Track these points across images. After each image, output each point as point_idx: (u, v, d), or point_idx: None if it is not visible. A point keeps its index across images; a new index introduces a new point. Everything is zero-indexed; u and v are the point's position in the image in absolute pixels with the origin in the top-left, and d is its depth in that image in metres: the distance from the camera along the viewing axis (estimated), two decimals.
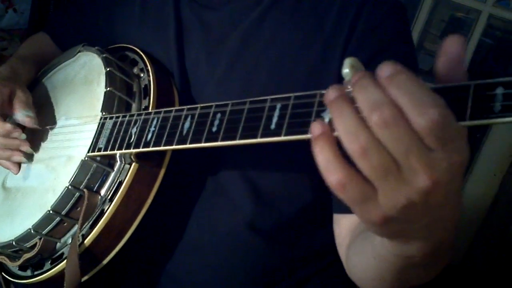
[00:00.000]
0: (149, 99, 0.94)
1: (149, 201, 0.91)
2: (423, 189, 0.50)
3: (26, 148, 1.03)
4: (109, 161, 0.92)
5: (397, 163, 0.51)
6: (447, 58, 0.53)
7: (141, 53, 1.03)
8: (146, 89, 0.97)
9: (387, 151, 0.50)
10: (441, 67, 0.53)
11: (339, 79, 0.92)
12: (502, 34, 2.73)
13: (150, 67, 0.99)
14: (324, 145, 0.53)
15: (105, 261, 0.91)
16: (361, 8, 0.94)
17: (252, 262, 1.05)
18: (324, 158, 0.53)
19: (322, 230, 1.06)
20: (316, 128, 0.54)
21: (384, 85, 0.51)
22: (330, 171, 0.53)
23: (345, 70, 0.57)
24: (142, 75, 1.00)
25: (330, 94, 0.54)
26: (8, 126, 1.00)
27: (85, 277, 0.90)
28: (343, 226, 0.95)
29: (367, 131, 0.51)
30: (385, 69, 0.51)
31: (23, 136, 1.02)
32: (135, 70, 1.02)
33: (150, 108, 0.92)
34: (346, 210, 0.93)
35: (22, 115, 1.02)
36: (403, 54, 0.98)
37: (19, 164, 1.05)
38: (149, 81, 0.96)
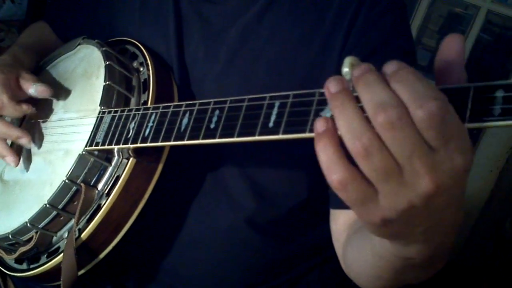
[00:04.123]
0: (148, 93, 0.94)
1: (147, 196, 0.91)
2: (425, 192, 0.50)
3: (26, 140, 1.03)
4: (107, 156, 0.91)
5: (399, 165, 0.50)
6: (445, 57, 0.53)
7: (141, 47, 1.02)
8: (146, 83, 0.96)
9: (389, 153, 0.50)
10: (440, 66, 0.53)
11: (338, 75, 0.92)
12: (501, 30, 2.72)
13: (150, 61, 0.98)
14: (327, 143, 0.52)
15: (101, 256, 0.91)
16: (360, 4, 0.94)
17: (250, 257, 1.06)
18: (326, 156, 0.52)
19: (320, 226, 1.06)
20: (319, 124, 0.53)
21: (388, 81, 0.51)
22: (332, 170, 0.52)
23: (345, 69, 0.56)
24: (141, 69, 0.99)
25: (332, 86, 0.53)
26: (24, 106, 1.01)
27: (82, 271, 0.90)
28: (340, 221, 0.94)
29: (370, 131, 0.50)
30: (389, 66, 0.51)
31: (34, 110, 1.03)
32: (135, 64, 1.01)
33: (149, 102, 0.92)
34: (343, 205, 0.94)
35: (35, 86, 1.01)
36: (402, 49, 0.97)
37: (19, 157, 1.04)
38: (149, 75, 0.96)
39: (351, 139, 0.51)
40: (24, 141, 1.01)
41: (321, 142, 0.53)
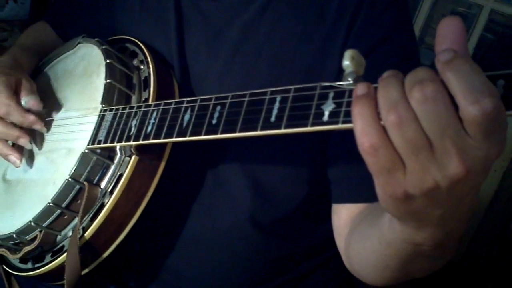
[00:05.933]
0: (149, 91, 0.94)
1: (149, 194, 0.91)
2: (453, 175, 0.50)
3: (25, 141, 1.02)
4: (109, 154, 0.91)
5: (430, 142, 0.50)
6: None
7: (141, 44, 1.02)
8: (146, 81, 0.96)
9: (422, 127, 0.49)
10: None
11: (340, 72, 0.92)
12: (504, 29, 2.72)
13: (150, 59, 0.98)
14: (366, 105, 0.52)
15: (105, 254, 0.91)
16: (362, 0, 0.94)
17: (252, 256, 1.06)
18: (362, 119, 0.52)
19: (322, 225, 1.06)
20: (360, 88, 0.53)
21: (440, 69, 0.49)
22: (366, 132, 0.51)
23: (346, 62, 0.57)
24: (142, 67, 0.99)
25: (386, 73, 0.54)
26: (32, 117, 0.99)
27: (86, 270, 0.90)
28: (343, 216, 0.95)
29: (406, 103, 0.50)
30: (444, 54, 0.50)
31: (44, 129, 1.02)
32: (135, 62, 1.02)
33: (150, 100, 0.92)
34: (346, 199, 0.94)
35: (27, 99, 1.01)
36: (404, 45, 0.97)
37: (21, 156, 1.04)
38: (149, 73, 0.96)
39: (387, 107, 0.51)
40: (23, 141, 1.00)
41: (358, 104, 0.52)
